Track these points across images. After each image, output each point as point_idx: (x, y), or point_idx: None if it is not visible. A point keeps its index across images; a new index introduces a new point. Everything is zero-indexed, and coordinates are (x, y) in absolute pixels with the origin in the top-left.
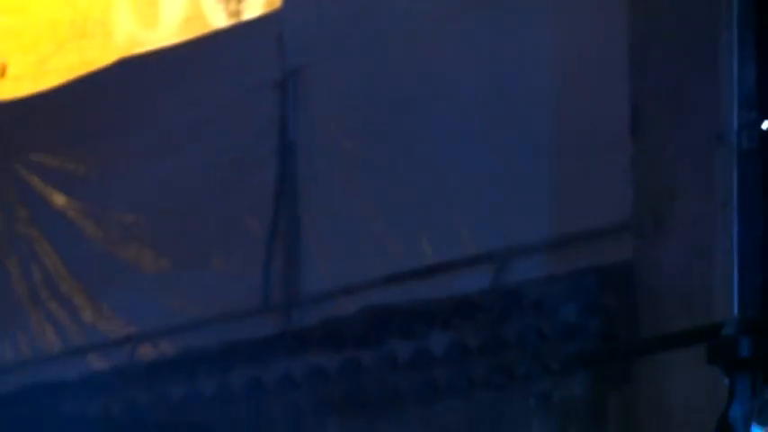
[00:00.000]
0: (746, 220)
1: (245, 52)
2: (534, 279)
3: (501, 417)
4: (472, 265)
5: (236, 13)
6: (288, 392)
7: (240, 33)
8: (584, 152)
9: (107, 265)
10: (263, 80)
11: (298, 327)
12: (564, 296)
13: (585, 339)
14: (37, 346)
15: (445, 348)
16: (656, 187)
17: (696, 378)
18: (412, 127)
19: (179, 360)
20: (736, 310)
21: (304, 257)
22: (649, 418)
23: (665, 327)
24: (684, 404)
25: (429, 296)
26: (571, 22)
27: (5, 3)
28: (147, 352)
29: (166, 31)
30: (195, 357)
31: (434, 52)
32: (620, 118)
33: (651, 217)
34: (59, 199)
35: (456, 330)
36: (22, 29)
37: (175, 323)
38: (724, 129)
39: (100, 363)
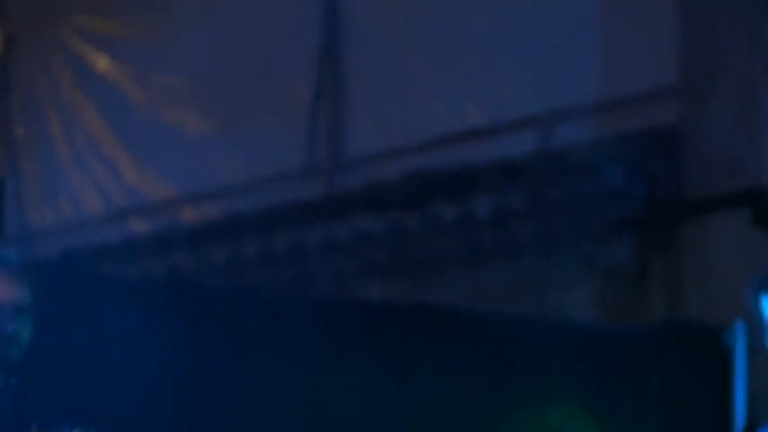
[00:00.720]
0: None
1: None
2: (580, 142)
3: (545, 280)
4: (517, 128)
5: None
6: (331, 256)
7: None
8: (632, 15)
9: (150, 128)
10: None
11: (342, 190)
12: (609, 160)
13: (631, 203)
14: (79, 209)
15: (489, 212)
16: (702, 51)
17: (740, 241)
18: None
19: (222, 224)
20: None
21: (349, 121)
22: (693, 280)
23: (710, 190)
24: (728, 266)
25: (474, 160)
26: None
27: None
28: (189, 215)
29: None
30: (238, 221)
31: None
32: None
33: (698, 80)
34: (103, 62)
35: (500, 194)
36: None
37: (219, 186)
38: None
39: (142, 226)
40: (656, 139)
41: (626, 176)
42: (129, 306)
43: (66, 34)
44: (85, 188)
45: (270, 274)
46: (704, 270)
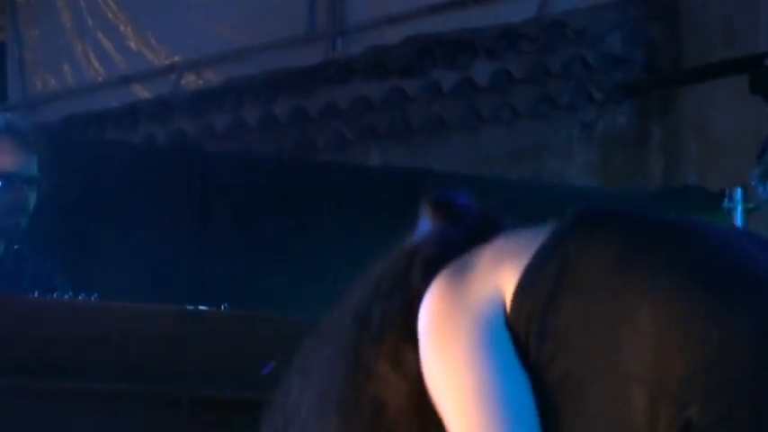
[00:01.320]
0: None
1: None
2: (579, 8)
3: (544, 145)
4: None
5: None
6: (332, 120)
7: None
8: None
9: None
10: None
11: (342, 56)
12: (609, 26)
13: (630, 69)
14: (82, 75)
15: (489, 77)
16: None
17: (738, 107)
18: None
19: (224, 89)
20: None
21: None
22: (691, 146)
23: (708, 57)
24: (726, 132)
25: (473, 25)
26: None
27: None
28: (191, 81)
29: None
30: (240, 86)
31: None
32: None
33: None
34: None
35: (500, 60)
36: None
37: (220, 52)
38: None
39: (144, 92)
40: (656, 5)
41: (625, 43)
42: (131, 171)
43: None
44: (88, 54)
45: (271, 140)
46: (703, 137)
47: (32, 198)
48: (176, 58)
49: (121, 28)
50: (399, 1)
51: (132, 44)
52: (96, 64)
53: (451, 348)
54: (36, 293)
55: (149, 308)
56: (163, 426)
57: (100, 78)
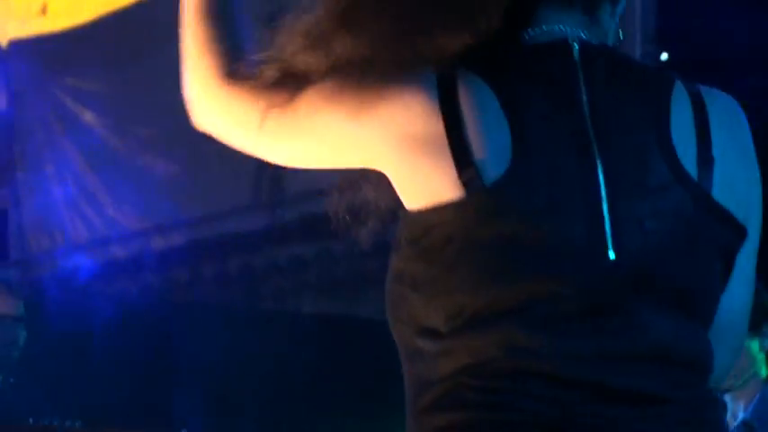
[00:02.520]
0: None
1: None
2: None
3: None
4: None
5: None
6: (273, 276)
7: None
8: None
9: (126, 170)
10: None
11: (282, 221)
12: None
13: None
14: (68, 236)
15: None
16: None
17: None
18: None
19: (184, 249)
20: None
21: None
22: None
23: None
24: None
25: None
26: None
27: None
28: (158, 242)
29: None
30: (198, 246)
31: None
32: None
33: None
34: (88, 115)
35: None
36: None
37: (182, 218)
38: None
39: (120, 251)
40: None
41: None
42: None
43: (59, 93)
44: (74, 220)
45: (224, 293)
46: None
47: (22, 335)
48: (146, 222)
49: (100, 197)
50: (329, 176)
51: (110, 210)
52: (80, 227)
53: None
54: (31, 419)
55: None
56: None
57: (83, 238)
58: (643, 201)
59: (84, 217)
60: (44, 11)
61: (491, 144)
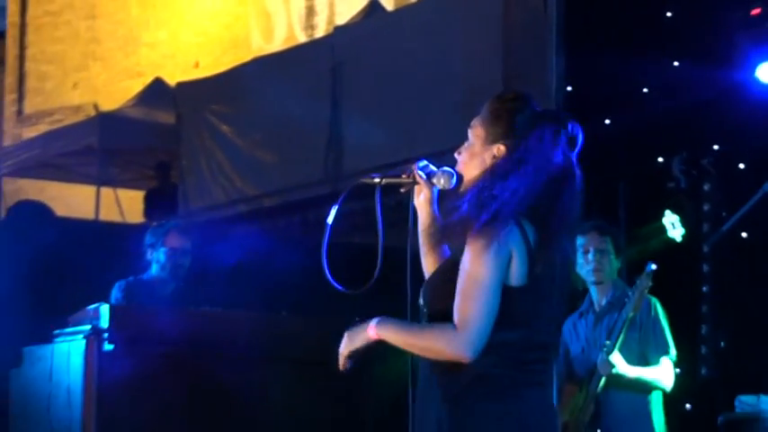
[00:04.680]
0: None
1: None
2: None
3: None
4: None
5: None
6: None
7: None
8: None
9: (248, 160)
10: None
11: (341, 191)
12: None
13: None
14: (214, 201)
15: None
16: None
17: None
18: None
19: (275, 209)
20: None
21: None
22: None
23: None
24: None
25: None
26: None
27: (196, 27)
28: (267, 201)
29: (277, 44)
30: (284, 207)
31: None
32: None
33: None
34: (224, 127)
35: None
36: (206, 42)
37: (277, 188)
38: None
39: (244, 208)
40: None
41: None
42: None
43: (207, 115)
44: (217, 192)
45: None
46: None
47: (188, 261)
48: (256, 190)
49: (233, 176)
50: (378, 158)
51: (238, 183)
52: (221, 195)
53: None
54: (191, 308)
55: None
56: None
57: (223, 201)
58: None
59: (223, 186)
60: (197, 65)
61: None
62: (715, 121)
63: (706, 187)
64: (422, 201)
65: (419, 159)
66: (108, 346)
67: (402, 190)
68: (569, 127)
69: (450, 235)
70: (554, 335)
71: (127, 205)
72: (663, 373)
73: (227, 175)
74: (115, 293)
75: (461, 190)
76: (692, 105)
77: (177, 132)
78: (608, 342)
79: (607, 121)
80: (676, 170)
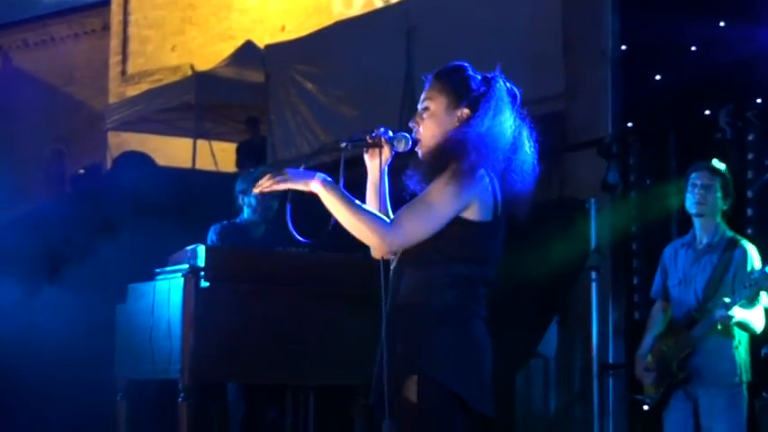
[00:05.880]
0: None
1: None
2: None
3: None
4: None
5: None
6: None
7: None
8: None
9: (330, 114)
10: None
11: None
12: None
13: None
14: (300, 152)
15: None
16: None
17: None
18: None
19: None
20: None
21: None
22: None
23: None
24: (586, 173)
25: None
26: None
27: None
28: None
29: (356, 9)
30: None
31: None
32: None
33: None
34: (309, 85)
35: None
36: (292, 8)
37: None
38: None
39: (327, 158)
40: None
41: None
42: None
43: (293, 73)
44: (303, 144)
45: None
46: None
47: (276, 204)
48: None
49: (316, 129)
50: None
51: (322, 137)
52: (306, 147)
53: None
54: (280, 248)
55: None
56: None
57: (306, 150)
58: None
59: (307, 138)
60: (283, 29)
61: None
62: (758, 75)
63: (750, 137)
64: (378, 162)
65: (378, 128)
66: (204, 284)
67: (366, 152)
68: (510, 86)
69: (425, 173)
70: (494, 274)
71: (220, 156)
72: (757, 317)
73: (312, 128)
74: (211, 236)
75: (425, 151)
76: (736, 61)
77: (266, 90)
78: (728, 300)
79: (658, 77)
80: (722, 122)
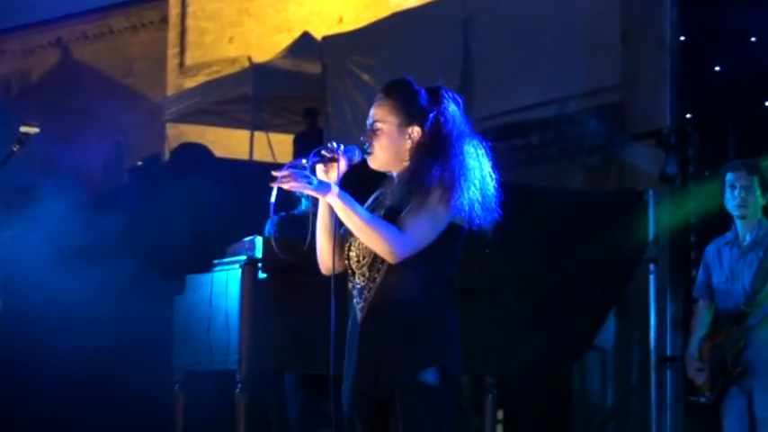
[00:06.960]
0: None
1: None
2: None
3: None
4: None
5: None
6: None
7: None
8: None
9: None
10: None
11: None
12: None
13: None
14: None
15: None
16: None
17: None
18: None
19: None
20: None
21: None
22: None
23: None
24: (642, 163)
25: None
26: None
27: None
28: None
29: (412, 0)
30: None
31: None
32: None
33: None
34: (366, 76)
35: None
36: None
37: None
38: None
39: None
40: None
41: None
42: None
43: (350, 64)
44: (359, 135)
45: None
46: (631, 167)
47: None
48: None
49: (367, 114)
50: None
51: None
52: (360, 133)
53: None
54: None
55: None
56: None
57: None
58: None
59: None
60: (341, 20)
61: None
62: None
63: None
64: (335, 176)
65: (331, 142)
66: (261, 275)
67: (323, 166)
68: (453, 95)
69: (411, 191)
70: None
71: (278, 147)
72: None
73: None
74: (268, 227)
75: (399, 171)
76: None
77: (323, 81)
78: None
79: (717, 68)
80: None
